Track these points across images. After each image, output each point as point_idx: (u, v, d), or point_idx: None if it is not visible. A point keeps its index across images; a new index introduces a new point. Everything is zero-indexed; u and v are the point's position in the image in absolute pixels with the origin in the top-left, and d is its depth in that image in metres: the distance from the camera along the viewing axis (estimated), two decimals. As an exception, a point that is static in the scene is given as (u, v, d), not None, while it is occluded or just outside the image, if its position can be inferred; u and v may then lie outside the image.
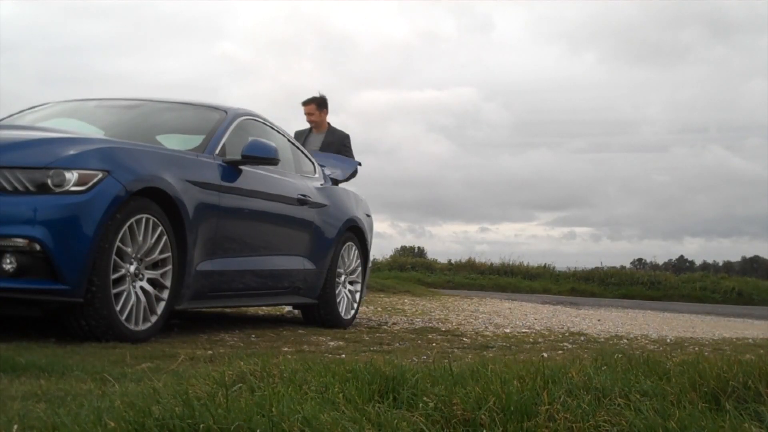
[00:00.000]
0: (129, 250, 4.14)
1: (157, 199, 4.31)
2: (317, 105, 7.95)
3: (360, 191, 6.98)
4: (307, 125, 8.07)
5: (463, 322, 7.77)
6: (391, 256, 23.33)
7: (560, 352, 5.00)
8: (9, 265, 3.79)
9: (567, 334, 6.77)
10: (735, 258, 45.19)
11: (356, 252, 6.54)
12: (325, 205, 6.11)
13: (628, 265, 28.25)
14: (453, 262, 22.47)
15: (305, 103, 8.00)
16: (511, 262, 21.90)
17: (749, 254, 44.82)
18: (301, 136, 7.83)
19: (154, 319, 4.33)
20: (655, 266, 26.67)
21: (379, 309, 8.82)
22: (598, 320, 9.85)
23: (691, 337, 7.24)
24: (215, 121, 5.34)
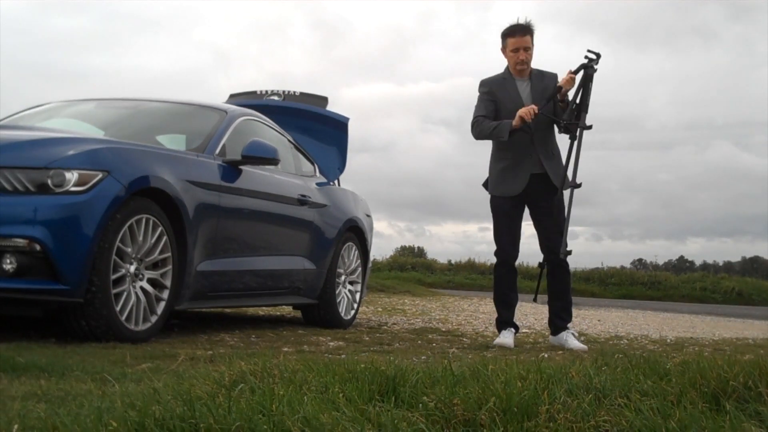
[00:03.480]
0: (129, 250, 4.14)
1: (157, 199, 4.31)
2: (532, 35, 5.25)
3: (355, 190, 6.93)
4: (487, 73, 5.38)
5: (463, 322, 7.77)
6: (391, 256, 23.35)
7: (560, 352, 4.99)
8: (9, 265, 3.78)
9: (567, 335, 6.76)
10: (735, 258, 45.19)
11: (356, 252, 6.54)
12: (325, 205, 6.11)
13: (628, 265, 28.28)
14: (453, 262, 22.49)
15: (516, 32, 5.19)
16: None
17: (750, 254, 44.84)
18: (503, 85, 5.26)
19: (154, 319, 4.33)
20: (655, 266, 26.71)
21: (379, 309, 8.82)
22: (599, 320, 9.85)
23: (692, 338, 7.24)
24: (215, 121, 5.34)
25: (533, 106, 5.04)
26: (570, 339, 5.26)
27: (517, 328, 5.41)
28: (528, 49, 5.20)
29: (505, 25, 5.25)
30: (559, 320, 5.33)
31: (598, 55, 5.21)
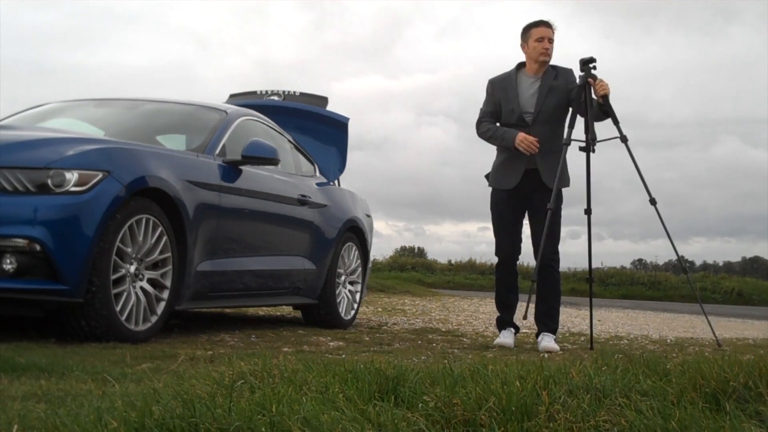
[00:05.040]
0: (129, 250, 4.14)
1: (157, 199, 4.31)
2: (554, 32, 5.22)
3: (351, 189, 6.90)
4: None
5: (463, 322, 7.76)
6: (391, 257, 23.38)
7: (560, 352, 5.00)
8: (9, 265, 3.78)
9: (567, 335, 6.78)
10: (736, 258, 45.07)
11: (356, 252, 6.54)
12: (325, 206, 6.11)
13: (628, 265, 28.27)
14: (453, 262, 22.51)
15: (540, 23, 5.17)
16: (511, 263, 21.83)
17: (749, 254, 44.76)
18: (504, 85, 5.23)
19: (154, 319, 4.33)
20: (655, 266, 26.71)
21: (380, 309, 8.82)
22: (599, 321, 9.85)
23: (692, 338, 7.25)
24: (215, 121, 5.34)
25: (534, 142, 5.01)
26: (544, 339, 5.11)
27: (517, 328, 5.38)
28: (552, 40, 5.14)
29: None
30: (540, 324, 5.23)
31: (590, 60, 5.13)
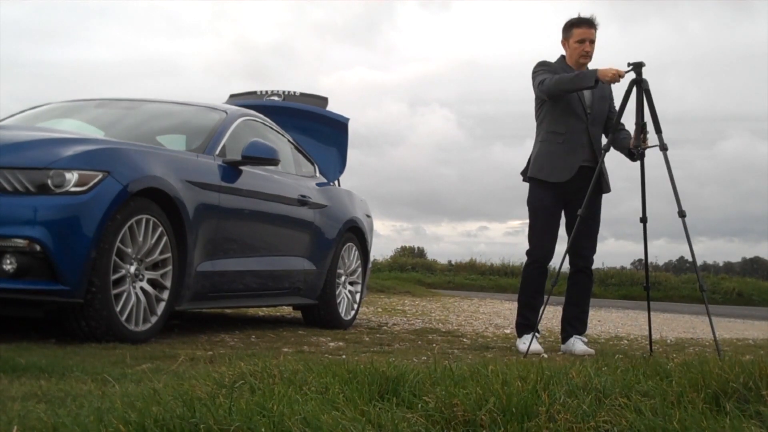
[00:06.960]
0: (129, 250, 4.14)
1: (157, 200, 4.31)
2: (596, 30, 5.02)
3: (347, 187, 6.88)
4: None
5: (463, 322, 7.76)
6: (391, 257, 23.38)
7: (561, 352, 5.00)
8: (9, 265, 3.78)
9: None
10: (736, 258, 44.95)
11: (356, 252, 6.54)
12: (326, 206, 6.11)
13: (628, 265, 28.25)
14: (453, 262, 22.52)
15: (582, 23, 4.97)
16: (511, 263, 21.92)
17: (750, 255, 44.67)
18: (558, 69, 4.95)
19: (154, 319, 4.33)
20: (655, 267, 26.71)
21: (380, 310, 8.82)
22: (599, 321, 9.85)
23: (692, 338, 7.25)
24: (215, 121, 5.35)
25: (618, 71, 4.62)
26: (577, 343, 4.98)
27: (538, 332, 5.11)
28: (593, 42, 4.93)
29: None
30: (570, 327, 5.07)
31: (640, 64, 4.65)
